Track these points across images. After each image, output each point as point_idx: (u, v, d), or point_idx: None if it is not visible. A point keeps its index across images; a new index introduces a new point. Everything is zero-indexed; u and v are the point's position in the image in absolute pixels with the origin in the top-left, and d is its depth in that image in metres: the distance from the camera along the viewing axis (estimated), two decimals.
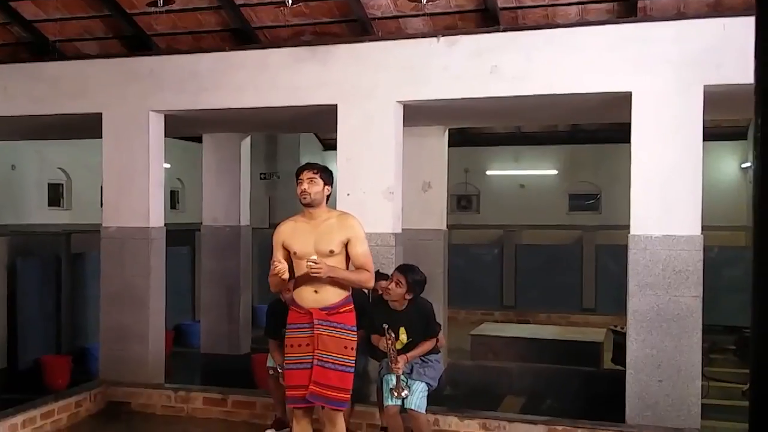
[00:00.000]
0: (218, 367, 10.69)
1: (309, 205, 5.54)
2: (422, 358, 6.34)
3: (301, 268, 5.45)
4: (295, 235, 5.58)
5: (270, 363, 7.32)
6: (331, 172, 5.72)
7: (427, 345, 6.35)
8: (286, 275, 5.38)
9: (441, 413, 7.15)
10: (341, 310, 5.45)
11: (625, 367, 7.15)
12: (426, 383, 6.35)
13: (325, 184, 5.58)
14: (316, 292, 5.45)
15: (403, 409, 6.24)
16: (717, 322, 11.67)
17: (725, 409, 8.97)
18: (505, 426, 6.99)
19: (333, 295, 5.45)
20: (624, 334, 7.70)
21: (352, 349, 5.45)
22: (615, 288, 11.23)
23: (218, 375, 9.91)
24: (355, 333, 5.54)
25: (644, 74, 7.00)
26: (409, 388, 6.18)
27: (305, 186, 5.52)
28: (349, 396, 5.55)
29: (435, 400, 6.68)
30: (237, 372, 9.75)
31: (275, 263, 5.40)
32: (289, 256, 5.56)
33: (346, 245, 5.47)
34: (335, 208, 6.10)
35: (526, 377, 10.01)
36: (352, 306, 5.51)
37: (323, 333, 5.40)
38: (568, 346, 10.73)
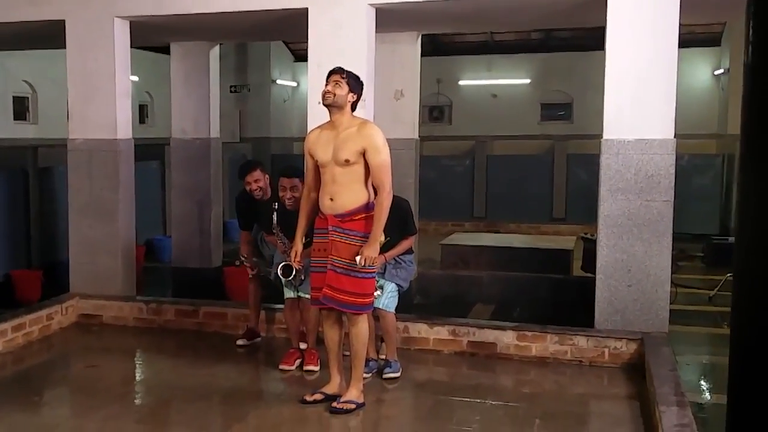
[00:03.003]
0: (190, 281, 10.66)
1: (330, 107, 5.53)
2: (396, 258, 6.35)
3: (323, 176, 5.56)
4: (318, 143, 5.61)
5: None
6: (360, 81, 5.68)
7: (405, 244, 6.36)
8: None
9: (410, 321, 7.17)
10: (355, 218, 5.48)
11: (594, 273, 7.17)
12: (397, 284, 6.39)
13: (351, 90, 5.55)
14: (331, 199, 5.51)
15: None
16: (685, 230, 11.79)
17: (692, 314, 9.14)
18: (474, 332, 7.02)
19: (347, 203, 5.48)
20: (594, 241, 7.72)
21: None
22: (586, 197, 11.28)
23: (190, 288, 9.91)
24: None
25: None
26: (382, 288, 6.22)
27: (329, 87, 5.52)
28: (368, 300, 5.61)
29: (404, 308, 6.70)
30: (208, 284, 9.75)
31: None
32: (317, 164, 5.63)
33: (364, 154, 5.44)
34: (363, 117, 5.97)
35: (496, 285, 10.07)
36: (371, 214, 5.48)
37: (336, 239, 5.49)
38: (538, 254, 10.80)
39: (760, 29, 2.16)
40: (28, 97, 16.04)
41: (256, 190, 6.92)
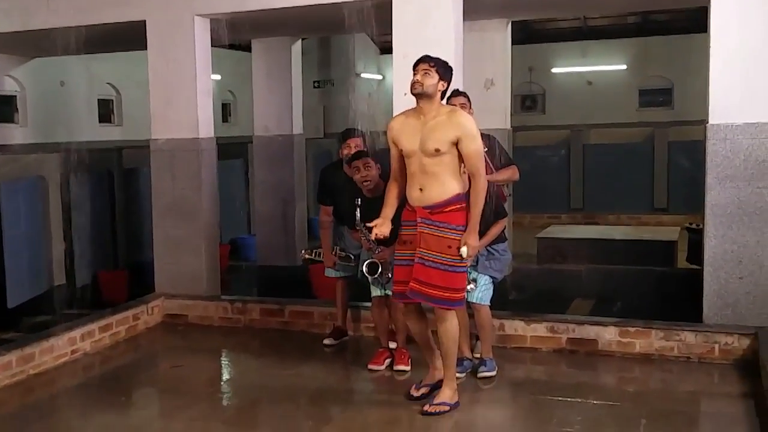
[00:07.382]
0: (275, 279, 10.56)
1: (419, 96, 5.28)
2: (488, 248, 6.00)
3: (409, 166, 5.34)
4: (403, 131, 5.40)
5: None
6: (450, 68, 5.42)
7: (495, 230, 5.99)
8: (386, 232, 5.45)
9: (506, 318, 6.89)
10: (446, 209, 5.24)
11: (701, 265, 6.81)
12: (490, 276, 6.08)
13: (441, 79, 5.30)
14: (421, 190, 5.29)
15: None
16: None
17: None
18: (574, 329, 6.72)
19: (437, 194, 5.25)
20: (700, 232, 7.37)
21: (456, 248, 5.24)
22: (689, 186, 10.74)
23: (275, 286, 9.82)
24: (461, 233, 5.25)
25: None
26: (476, 281, 5.95)
27: (418, 77, 5.27)
28: (459, 296, 5.35)
29: (500, 304, 6.44)
30: (294, 283, 9.62)
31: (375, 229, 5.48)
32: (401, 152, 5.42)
33: (456, 144, 5.19)
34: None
35: (596, 280, 9.70)
36: (462, 205, 5.25)
37: (425, 231, 5.27)
38: (640, 246, 10.42)
39: None
40: (112, 100, 16.15)
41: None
